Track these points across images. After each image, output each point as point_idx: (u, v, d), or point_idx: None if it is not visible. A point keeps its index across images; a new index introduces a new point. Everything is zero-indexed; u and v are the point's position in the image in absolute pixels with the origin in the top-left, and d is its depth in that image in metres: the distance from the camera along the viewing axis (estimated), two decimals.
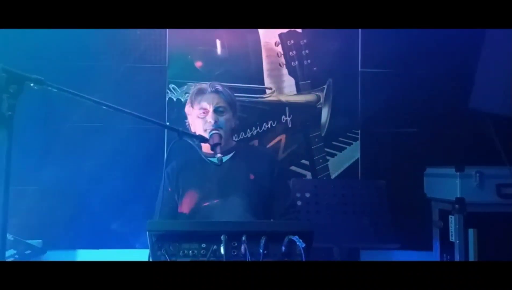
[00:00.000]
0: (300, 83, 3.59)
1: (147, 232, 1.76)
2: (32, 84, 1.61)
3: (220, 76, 3.47)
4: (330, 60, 3.58)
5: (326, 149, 3.59)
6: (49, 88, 1.66)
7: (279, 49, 3.58)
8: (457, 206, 3.11)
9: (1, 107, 1.52)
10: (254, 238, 1.74)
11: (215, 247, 1.75)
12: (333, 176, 3.58)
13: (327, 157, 3.59)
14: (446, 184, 3.24)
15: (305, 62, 3.59)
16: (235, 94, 2.63)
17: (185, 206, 2.43)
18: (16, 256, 3.01)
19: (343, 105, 3.60)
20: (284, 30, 3.56)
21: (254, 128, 3.55)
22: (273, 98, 3.58)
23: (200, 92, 2.49)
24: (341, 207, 3.20)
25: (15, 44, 3.24)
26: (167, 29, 3.51)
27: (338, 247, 3.04)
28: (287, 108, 3.59)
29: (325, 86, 3.60)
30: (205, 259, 1.75)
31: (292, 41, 3.58)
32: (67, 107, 3.27)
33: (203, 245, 1.76)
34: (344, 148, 3.60)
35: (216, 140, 2.29)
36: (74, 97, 1.75)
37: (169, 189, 2.48)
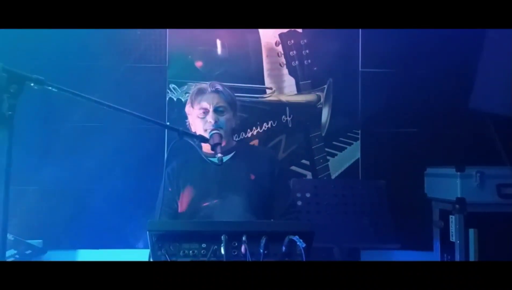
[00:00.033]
0: (301, 83, 3.59)
1: (147, 232, 1.76)
2: (32, 84, 1.61)
3: (220, 76, 3.47)
4: (331, 60, 3.57)
5: (326, 149, 3.59)
6: (50, 88, 1.66)
7: (280, 49, 3.58)
8: (457, 206, 3.11)
9: (1, 107, 1.52)
10: (254, 238, 1.74)
11: (215, 247, 1.75)
12: (333, 176, 3.58)
13: (328, 157, 3.59)
14: (446, 184, 3.24)
15: (305, 62, 3.59)
16: (235, 94, 2.63)
17: (186, 206, 2.43)
18: (17, 256, 3.01)
19: (343, 105, 3.60)
20: (285, 30, 3.56)
21: (254, 128, 3.55)
22: (273, 98, 3.58)
23: (200, 92, 2.49)
24: (341, 207, 3.20)
25: (16, 44, 3.24)
26: (167, 29, 3.51)
27: (339, 247, 3.04)
28: (287, 108, 3.59)
29: (326, 86, 3.60)
30: (205, 259, 1.75)
31: (292, 41, 3.58)
32: (67, 107, 3.27)
33: (204, 245, 1.76)
34: (344, 148, 3.60)
35: (216, 140, 2.28)
36: (75, 97, 1.75)
37: (170, 189, 2.48)
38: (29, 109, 2.64)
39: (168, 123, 3.33)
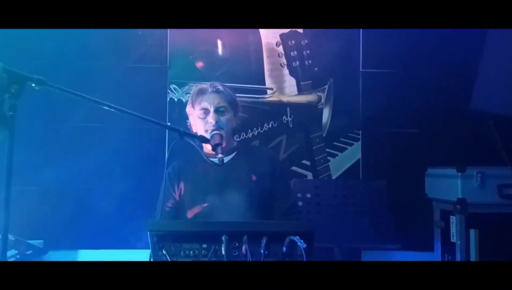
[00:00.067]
0: (301, 83, 3.59)
1: (148, 232, 1.76)
2: (33, 84, 1.62)
3: (221, 76, 3.47)
4: (331, 60, 3.57)
5: (327, 150, 3.59)
6: (51, 88, 1.66)
7: (280, 49, 3.58)
8: (458, 206, 3.10)
9: (2, 107, 1.53)
10: (255, 238, 1.74)
11: (216, 247, 1.75)
12: (334, 177, 3.58)
13: (328, 158, 3.59)
14: (447, 184, 3.23)
15: (306, 62, 3.59)
16: (236, 95, 2.62)
17: (186, 206, 2.43)
18: (18, 256, 3.01)
19: (344, 106, 3.60)
20: (285, 30, 3.56)
21: (255, 128, 3.55)
22: (274, 98, 3.58)
23: (201, 92, 2.49)
24: (342, 207, 3.20)
25: (16, 44, 3.25)
26: (168, 29, 3.51)
27: (339, 248, 3.04)
28: (288, 108, 3.59)
29: (326, 87, 3.60)
30: (206, 259, 1.75)
31: (293, 41, 3.58)
32: (68, 107, 3.28)
33: (204, 245, 1.76)
34: (345, 149, 3.60)
35: (217, 140, 2.28)
36: (76, 97, 1.76)
37: (170, 190, 2.48)
38: (30, 109, 2.65)
39: (169, 124, 3.33)
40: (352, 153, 3.59)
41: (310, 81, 3.59)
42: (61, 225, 3.34)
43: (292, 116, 3.58)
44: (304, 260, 1.71)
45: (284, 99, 3.59)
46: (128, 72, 3.48)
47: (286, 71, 3.59)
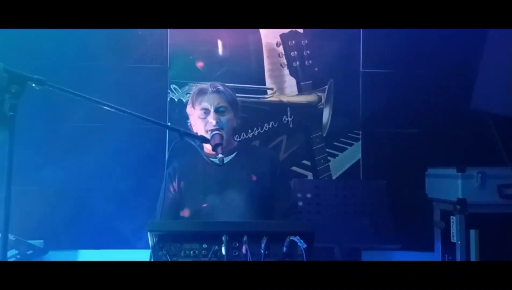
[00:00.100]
0: (302, 83, 3.59)
1: (148, 233, 1.76)
2: (33, 85, 1.62)
3: (221, 76, 3.47)
4: (332, 60, 3.58)
5: (327, 150, 3.59)
6: (51, 88, 1.66)
7: (281, 49, 3.59)
8: (458, 206, 3.10)
9: (3, 107, 1.53)
10: (255, 238, 1.74)
11: (216, 247, 1.75)
12: (334, 177, 3.58)
13: (328, 158, 3.59)
14: (447, 184, 3.23)
15: (306, 62, 3.59)
16: (236, 95, 2.62)
17: (187, 207, 2.43)
18: (18, 256, 3.02)
19: (344, 106, 3.60)
20: (286, 31, 3.57)
21: (255, 128, 3.55)
22: (274, 98, 3.58)
23: (201, 92, 2.49)
24: (342, 207, 3.20)
25: (16, 44, 3.25)
26: (169, 29, 3.51)
27: (339, 248, 3.04)
28: (288, 108, 3.59)
29: (327, 87, 3.60)
30: (206, 259, 1.75)
31: (293, 42, 3.58)
32: (68, 107, 3.28)
33: (204, 246, 1.76)
34: (345, 149, 3.60)
35: (217, 140, 2.28)
36: (76, 97, 1.76)
37: (171, 190, 2.48)
38: (30, 109, 2.65)
39: (169, 124, 3.33)
40: (352, 153, 3.59)
41: (310, 81, 3.60)
42: (61, 225, 3.34)
43: (292, 116, 3.58)
44: (304, 260, 1.71)
45: (284, 99, 3.59)
46: (128, 72, 3.48)
47: (286, 71, 3.59)
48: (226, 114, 2.45)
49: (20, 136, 1.56)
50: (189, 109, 2.55)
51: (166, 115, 3.48)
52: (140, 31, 3.49)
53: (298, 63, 3.59)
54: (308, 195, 3.21)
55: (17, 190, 1.57)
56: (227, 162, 2.40)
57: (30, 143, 3.05)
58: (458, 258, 3.10)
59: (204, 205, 2.38)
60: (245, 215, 2.32)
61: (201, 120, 2.44)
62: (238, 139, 3.40)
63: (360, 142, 3.59)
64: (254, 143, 3.51)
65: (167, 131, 3.41)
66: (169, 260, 1.74)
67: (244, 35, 3.56)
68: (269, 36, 3.57)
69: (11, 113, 1.53)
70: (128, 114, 1.92)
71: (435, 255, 3.41)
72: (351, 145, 3.60)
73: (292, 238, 1.72)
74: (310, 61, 3.59)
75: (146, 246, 1.80)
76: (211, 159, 2.32)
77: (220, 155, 2.20)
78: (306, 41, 3.58)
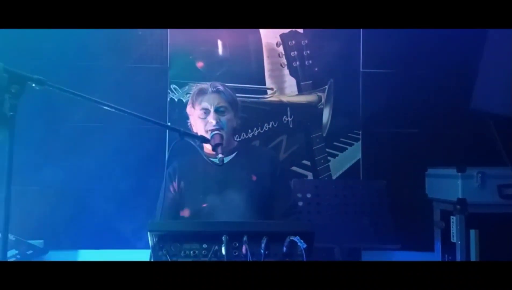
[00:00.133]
0: (302, 83, 3.59)
1: (148, 233, 1.76)
2: (33, 85, 1.61)
3: (221, 76, 3.47)
4: (332, 60, 3.58)
5: (327, 150, 3.59)
6: (51, 88, 1.66)
7: (281, 49, 3.59)
8: (458, 206, 3.10)
9: (3, 107, 1.53)
10: (255, 238, 1.74)
11: (216, 247, 1.75)
12: (334, 177, 3.58)
13: (328, 158, 3.59)
14: (447, 184, 3.23)
15: (306, 62, 3.59)
16: (236, 95, 2.62)
17: (187, 207, 2.43)
18: (18, 256, 3.02)
19: (344, 106, 3.60)
20: (286, 31, 3.56)
21: (255, 128, 3.55)
22: (274, 98, 3.58)
23: (201, 92, 2.49)
24: (342, 207, 3.20)
25: (16, 44, 3.25)
26: (169, 29, 3.51)
27: (339, 248, 3.04)
28: (288, 108, 3.59)
29: (327, 87, 3.60)
30: (206, 259, 1.75)
31: (293, 42, 3.58)
32: (68, 107, 3.28)
33: (204, 246, 1.76)
34: (345, 149, 3.60)
35: (217, 140, 2.29)
36: (76, 97, 1.76)
37: (171, 190, 2.48)
38: (30, 109, 2.65)
39: (169, 124, 3.33)
40: (352, 153, 3.59)
41: (310, 81, 3.60)
42: (61, 225, 3.34)
43: (292, 116, 3.58)
44: (304, 260, 1.71)
45: (284, 99, 3.59)
46: (128, 72, 3.48)
47: (286, 71, 3.59)
48: (226, 114, 2.45)
49: (20, 136, 1.56)
50: (189, 109, 2.55)
51: (166, 115, 3.48)
52: (140, 31, 3.49)
53: (298, 63, 3.59)
54: (308, 195, 3.21)
55: (17, 190, 1.57)
56: (227, 162, 2.40)
57: (30, 143, 3.05)
58: (458, 258, 3.10)
59: (204, 205, 2.38)
60: (245, 215, 2.32)
61: (201, 120, 2.44)
62: (238, 139, 3.40)
63: (360, 142, 3.59)
64: (254, 143, 3.51)
65: (167, 131, 3.41)
66: (169, 260, 1.74)
67: (244, 35, 3.56)
68: (269, 36, 3.57)
69: (11, 113, 1.53)
70: (128, 114, 1.92)
71: (435, 255, 3.41)
72: (351, 145, 3.60)
73: (292, 238, 1.72)
74: (310, 61, 3.59)
75: (146, 246, 1.80)
76: (211, 159, 2.32)
77: (220, 155, 2.20)
78: (306, 41, 3.58)
